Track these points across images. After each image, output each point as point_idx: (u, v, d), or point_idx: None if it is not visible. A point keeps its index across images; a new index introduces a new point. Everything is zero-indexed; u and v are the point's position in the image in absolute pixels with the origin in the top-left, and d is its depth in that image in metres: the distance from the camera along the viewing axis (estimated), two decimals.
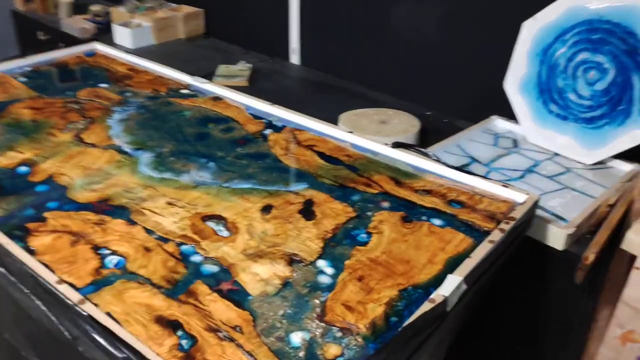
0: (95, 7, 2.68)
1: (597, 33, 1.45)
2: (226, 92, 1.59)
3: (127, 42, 2.37)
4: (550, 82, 1.56)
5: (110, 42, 2.38)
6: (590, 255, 1.06)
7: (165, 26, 2.47)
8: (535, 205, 1.12)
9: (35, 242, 0.98)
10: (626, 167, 1.48)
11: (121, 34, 2.39)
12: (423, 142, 1.65)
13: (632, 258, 1.14)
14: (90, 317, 0.79)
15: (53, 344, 0.93)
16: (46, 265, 0.91)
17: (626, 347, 1.12)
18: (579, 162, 1.52)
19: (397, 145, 1.28)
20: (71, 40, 2.52)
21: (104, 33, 2.56)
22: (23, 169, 1.20)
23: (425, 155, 1.25)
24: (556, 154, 1.56)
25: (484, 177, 1.19)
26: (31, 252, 0.95)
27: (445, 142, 1.59)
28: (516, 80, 1.62)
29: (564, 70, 1.53)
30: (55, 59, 1.80)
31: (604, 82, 1.46)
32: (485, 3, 1.73)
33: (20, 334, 1.03)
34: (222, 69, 2.13)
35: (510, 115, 1.69)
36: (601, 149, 1.48)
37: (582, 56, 1.49)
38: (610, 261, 1.23)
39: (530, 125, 1.61)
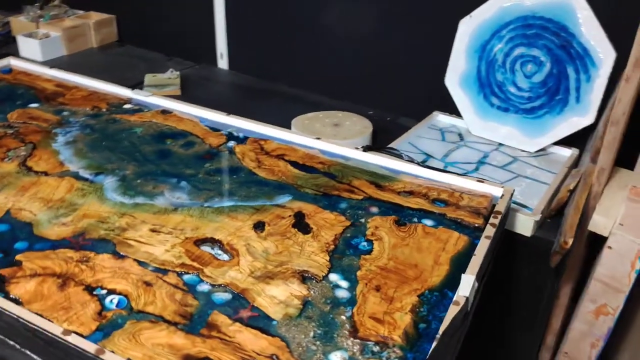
0: None
1: (531, 29, 1.55)
2: (173, 104, 1.51)
3: (35, 55, 2.17)
4: (490, 77, 1.64)
5: (15, 55, 2.17)
6: (569, 240, 1.14)
7: (75, 35, 2.30)
8: (512, 197, 1.18)
9: (16, 290, 0.87)
10: (566, 152, 1.60)
11: (28, 46, 2.19)
12: (374, 142, 1.67)
13: (594, 238, 1.24)
14: None
15: None
16: (40, 315, 0.82)
17: (599, 320, 1.21)
18: (522, 151, 1.62)
19: (368, 148, 1.29)
20: None
21: (4, 45, 2.33)
22: None
23: (399, 156, 1.27)
24: (500, 144, 1.65)
25: (460, 174, 1.24)
26: (16, 302, 0.84)
27: (398, 141, 1.62)
28: (456, 76, 1.68)
29: (502, 65, 1.61)
30: None
31: (541, 74, 1.56)
32: (421, 1, 1.78)
33: None
34: (150, 78, 2.02)
35: (451, 110, 1.76)
36: (543, 137, 1.59)
37: (518, 51, 1.58)
38: (574, 242, 1.32)
39: (472, 119, 1.69)
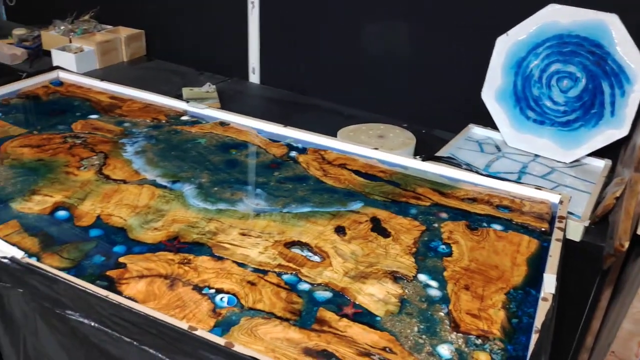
0: (19, 31, 2.47)
1: (567, 46, 1.64)
2: (228, 116, 1.57)
3: (70, 67, 2.20)
4: (526, 91, 1.72)
5: (46, 67, 2.20)
6: (625, 243, 1.21)
7: (108, 49, 2.35)
8: (568, 203, 1.25)
9: (128, 290, 0.92)
10: (600, 163, 1.68)
11: (62, 59, 2.23)
12: (416, 153, 1.74)
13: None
14: (253, 359, 0.77)
15: None
16: (164, 314, 0.86)
17: None
18: (558, 162, 1.70)
19: (428, 158, 1.35)
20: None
21: (35, 58, 2.36)
22: (62, 213, 1.11)
23: (458, 165, 1.34)
24: (536, 155, 1.73)
25: (517, 181, 1.31)
26: (133, 301, 0.89)
27: (439, 153, 1.69)
28: (492, 90, 1.77)
29: (539, 80, 1.70)
30: (21, 90, 1.65)
31: (577, 89, 1.64)
32: (458, 19, 1.86)
33: None
34: (187, 91, 2.07)
35: (483, 122, 1.84)
36: (578, 149, 1.67)
37: (554, 67, 1.67)
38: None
39: (509, 131, 1.77)
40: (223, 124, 1.53)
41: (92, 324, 0.89)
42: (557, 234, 1.11)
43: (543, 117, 1.71)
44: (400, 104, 2.03)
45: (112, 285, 0.93)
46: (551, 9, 1.62)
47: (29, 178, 1.21)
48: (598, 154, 1.68)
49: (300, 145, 1.45)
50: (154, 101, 1.64)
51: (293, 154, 1.40)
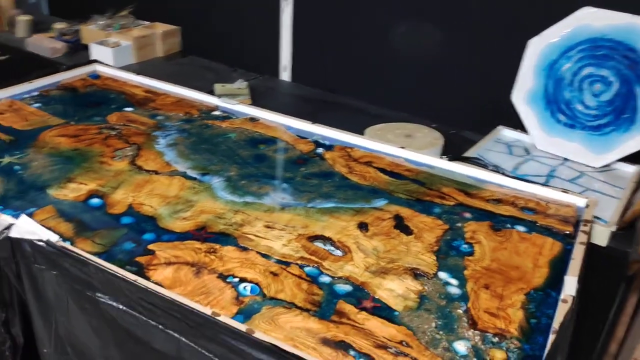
0: (59, 25, 2.55)
1: (600, 50, 1.62)
2: (259, 112, 1.60)
3: (107, 61, 2.27)
4: (557, 94, 1.71)
5: (85, 61, 2.27)
6: None
7: (144, 44, 2.41)
8: (595, 207, 1.24)
9: (156, 276, 0.95)
10: (630, 168, 1.66)
11: (100, 53, 2.29)
12: (444, 154, 1.74)
13: None
14: (272, 345, 0.79)
15: None
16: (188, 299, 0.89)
17: None
18: (588, 166, 1.68)
19: (454, 158, 1.36)
20: (39, 60, 2.38)
21: (75, 52, 2.44)
22: (95, 201, 1.16)
23: (484, 166, 1.34)
24: (565, 159, 1.71)
25: (544, 184, 1.30)
26: (159, 286, 0.92)
27: (468, 154, 1.69)
28: (523, 92, 1.75)
29: (570, 84, 1.68)
30: (60, 82, 1.71)
31: (609, 93, 1.62)
32: (489, 20, 1.85)
33: None
34: (220, 87, 2.11)
35: (512, 124, 1.83)
36: (608, 153, 1.65)
37: (587, 70, 1.65)
38: None
39: (538, 134, 1.75)
40: (253, 119, 1.56)
41: (120, 306, 0.93)
42: (581, 238, 1.10)
43: (574, 120, 1.69)
44: (429, 105, 2.03)
45: (140, 271, 0.96)
46: (585, 12, 1.61)
47: (65, 166, 1.26)
48: (629, 159, 1.65)
49: (327, 142, 1.47)
50: (186, 96, 1.69)
51: (320, 150, 1.42)
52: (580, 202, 1.25)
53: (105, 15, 2.54)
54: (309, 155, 1.40)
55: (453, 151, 1.72)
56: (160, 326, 0.90)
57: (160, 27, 2.52)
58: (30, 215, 1.09)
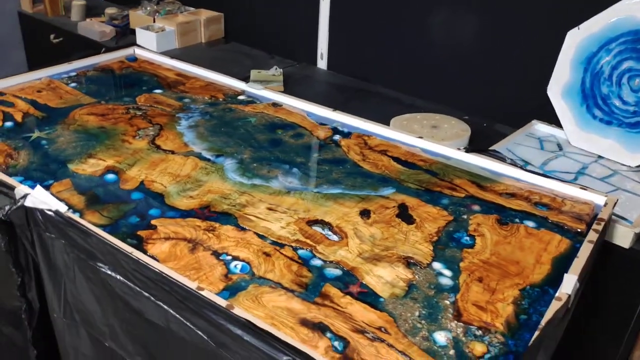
0: (111, 10, 2.65)
1: None
2: (283, 98, 1.61)
3: (151, 46, 2.35)
4: (594, 89, 1.64)
5: (131, 45, 2.36)
6: None
7: (187, 30, 2.47)
8: (614, 206, 1.18)
9: (153, 249, 0.99)
10: None
11: (145, 38, 2.37)
12: (471, 146, 1.71)
13: None
14: (247, 321, 0.81)
15: (178, 351, 0.94)
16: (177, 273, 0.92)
17: None
18: (623, 165, 1.60)
19: (472, 150, 1.33)
20: (89, 43, 2.49)
21: (123, 36, 2.53)
22: (111, 176, 1.21)
23: (501, 159, 1.31)
24: (600, 157, 1.64)
25: (562, 180, 1.25)
26: (154, 260, 0.95)
27: (495, 147, 1.64)
28: (559, 86, 1.69)
29: (609, 78, 1.60)
30: (98, 64, 1.78)
31: None
32: (527, 11, 1.79)
33: (131, 343, 1.03)
34: (255, 74, 2.14)
35: (547, 119, 1.77)
36: None
37: (627, 64, 1.57)
38: None
39: (573, 130, 1.68)
40: (275, 105, 1.58)
41: (118, 277, 0.97)
42: (590, 236, 1.06)
43: (610, 116, 1.62)
44: (463, 96, 1.99)
45: (140, 244, 1.00)
46: (627, 3, 1.53)
47: (89, 143, 1.32)
48: None
49: (345, 130, 1.46)
50: (215, 80, 1.72)
51: (337, 137, 1.42)
52: (599, 200, 1.19)
53: (153, 1, 2.62)
54: (325, 142, 1.40)
55: (481, 144, 1.68)
56: (152, 298, 0.93)
57: (204, 14, 2.58)
58: (47, 187, 1.15)
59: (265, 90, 1.65)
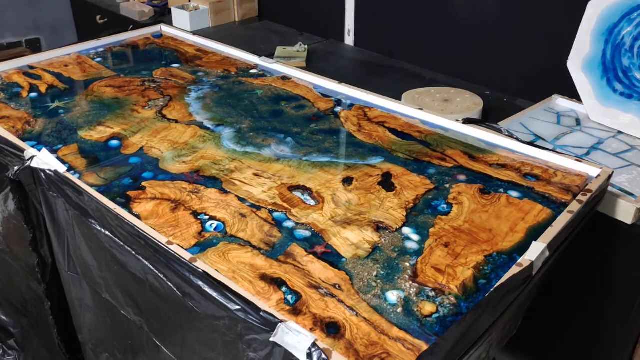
0: None
1: None
2: (293, 71, 1.64)
3: (185, 25, 2.44)
4: (615, 61, 1.57)
5: (168, 24, 2.45)
6: None
7: (221, 9, 2.54)
8: (609, 179, 1.15)
9: (138, 208, 1.05)
10: None
11: (180, 17, 2.46)
12: (485, 120, 1.68)
13: None
14: (205, 273, 0.86)
15: (157, 302, 1.00)
16: (153, 229, 0.98)
17: None
18: None
19: (468, 121, 1.32)
20: (130, 23, 2.61)
21: (161, 16, 2.63)
22: (114, 142, 1.28)
23: (498, 131, 1.29)
24: (620, 132, 1.58)
25: (557, 151, 1.23)
26: (136, 217, 1.02)
27: (508, 120, 1.61)
28: (579, 59, 1.63)
29: (630, 50, 1.54)
30: (125, 41, 1.87)
31: None
32: None
33: (122, 294, 1.11)
34: (280, 50, 2.18)
35: (570, 94, 1.71)
36: None
37: None
38: None
39: (593, 104, 1.63)
40: (285, 78, 1.62)
41: (107, 232, 1.05)
42: (572, 206, 1.03)
43: (631, 90, 1.55)
44: (484, 71, 1.96)
45: (127, 203, 1.07)
46: None
47: (101, 112, 1.41)
48: None
49: (349, 102, 1.48)
50: (232, 55, 1.77)
51: (338, 109, 1.44)
52: (593, 172, 1.16)
53: None
54: (325, 113, 1.43)
55: (496, 118, 1.66)
56: (132, 251, 1.00)
57: None
58: (56, 151, 1.24)
59: (278, 64, 1.68)
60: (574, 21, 1.61)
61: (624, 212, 1.25)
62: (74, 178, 1.10)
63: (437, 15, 2.03)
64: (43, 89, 1.53)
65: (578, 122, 1.64)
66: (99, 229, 1.05)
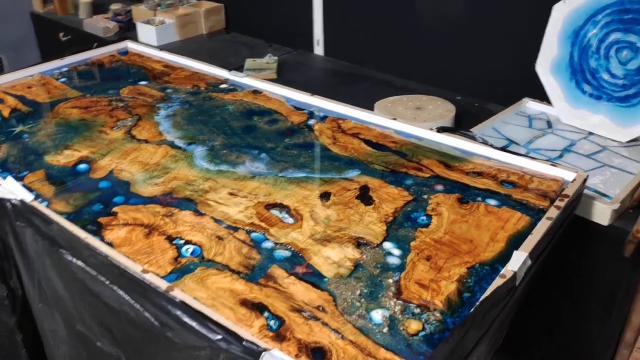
0: (115, 6, 2.71)
1: (628, 13, 1.48)
2: (264, 85, 1.62)
3: (151, 40, 2.40)
4: (583, 63, 1.59)
5: (134, 40, 2.41)
6: None
7: (187, 22, 2.50)
8: (585, 182, 1.16)
9: (110, 235, 1.02)
10: None
11: (145, 32, 2.42)
12: (458, 126, 1.68)
13: None
14: (182, 302, 0.83)
15: (134, 332, 0.97)
16: (126, 257, 0.95)
17: None
18: (613, 140, 1.55)
19: (442, 129, 1.31)
20: (94, 39, 2.55)
21: (126, 31, 2.59)
22: (82, 166, 1.24)
23: (472, 138, 1.29)
24: (590, 133, 1.59)
25: (532, 157, 1.23)
26: (109, 245, 0.98)
27: (481, 126, 1.62)
28: (547, 62, 1.65)
29: (596, 51, 1.56)
30: (90, 59, 1.83)
31: (637, 60, 1.49)
32: None
33: (96, 325, 1.07)
34: (250, 62, 2.16)
35: (540, 97, 1.72)
36: (636, 127, 1.51)
37: (614, 36, 1.52)
38: None
39: (563, 106, 1.64)
40: (256, 92, 1.59)
41: (78, 262, 1.01)
42: (550, 212, 1.04)
43: (600, 91, 1.57)
44: (455, 77, 1.96)
45: (99, 230, 1.03)
46: None
47: (68, 135, 1.36)
48: None
49: (322, 114, 1.47)
50: (200, 70, 1.74)
51: (311, 122, 1.43)
52: (569, 176, 1.17)
53: None
54: (298, 127, 1.41)
55: (468, 124, 1.66)
56: (106, 282, 0.96)
57: (204, 5, 2.60)
58: (22, 178, 1.19)
59: (248, 78, 1.66)
60: (541, 25, 1.63)
61: (600, 214, 1.26)
62: (41, 207, 1.06)
63: (405, 22, 2.03)
64: (6, 112, 1.48)
65: (549, 124, 1.66)
66: (71, 259, 1.01)
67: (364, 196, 1.13)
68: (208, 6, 2.59)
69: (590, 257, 1.32)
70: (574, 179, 1.15)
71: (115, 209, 1.09)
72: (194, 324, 0.82)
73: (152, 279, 0.88)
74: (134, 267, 0.91)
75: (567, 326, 1.44)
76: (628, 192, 1.29)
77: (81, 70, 1.75)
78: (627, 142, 1.54)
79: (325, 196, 1.13)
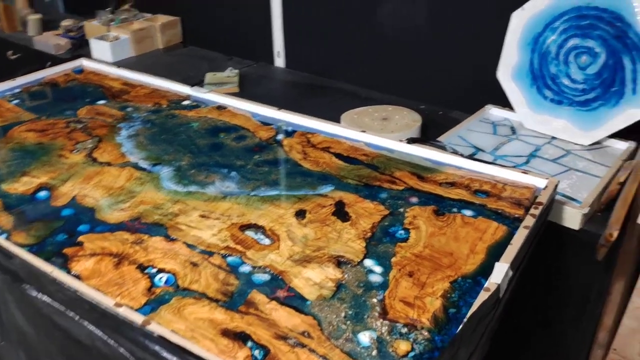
0: (66, 22, 2.62)
1: (586, 19, 1.52)
2: (228, 100, 1.59)
3: (106, 56, 2.32)
4: (543, 69, 1.62)
5: (87, 56, 2.33)
6: (614, 232, 1.11)
7: (143, 37, 2.44)
8: (556, 188, 1.17)
9: (77, 267, 0.97)
10: (622, 145, 1.55)
11: (100, 48, 2.34)
12: (424, 135, 1.69)
13: None
14: (160, 337, 0.79)
15: None
16: (96, 290, 0.90)
17: None
18: (576, 144, 1.58)
19: (412, 140, 1.31)
20: (46, 57, 2.46)
21: (78, 48, 2.50)
22: (42, 194, 1.18)
23: (442, 148, 1.29)
24: (554, 138, 1.62)
25: (502, 165, 1.24)
26: (76, 278, 0.93)
27: (447, 134, 1.62)
28: (508, 69, 1.67)
29: (556, 57, 1.59)
30: (44, 79, 1.75)
31: (596, 65, 1.52)
32: None
33: None
34: (210, 76, 2.12)
35: (503, 103, 1.75)
36: (597, 130, 1.55)
37: (572, 42, 1.55)
38: (623, 236, 1.28)
39: (525, 112, 1.67)
40: (220, 108, 1.56)
41: (44, 297, 0.95)
42: (526, 221, 1.04)
43: (561, 96, 1.60)
44: (418, 86, 1.97)
45: (65, 262, 0.98)
46: None
47: (24, 161, 1.30)
48: (622, 135, 1.55)
49: (290, 129, 1.44)
50: (161, 86, 1.69)
51: (280, 137, 1.40)
52: (541, 183, 1.18)
53: (108, 9, 2.58)
54: (267, 143, 1.38)
55: (434, 133, 1.66)
56: (76, 317, 0.91)
57: (160, 19, 2.55)
58: None
59: (211, 94, 1.62)
60: (501, 32, 1.65)
61: (571, 219, 1.27)
62: (1, 239, 1.00)
63: (366, 33, 2.03)
64: None
65: (513, 130, 1.68)
66: (35, 294, 0.96)
67: (340, 212, 1.11)
68: (164, 20, 2.54)
69: (562, 261, 1.34)
70: (546, 186, 1.16)
71: (80, 238, 1.04)
72: (173, 359, 0.78)
73: (126, 312, 0.84)
74: (106, 301, 0.86)
75: (542, 331, 1.45)
76: (595, 195, 1.31)
77: (35, 91, 1.67)
78: (590, 145, 1.57)
79: (300, 214, 1.10)
